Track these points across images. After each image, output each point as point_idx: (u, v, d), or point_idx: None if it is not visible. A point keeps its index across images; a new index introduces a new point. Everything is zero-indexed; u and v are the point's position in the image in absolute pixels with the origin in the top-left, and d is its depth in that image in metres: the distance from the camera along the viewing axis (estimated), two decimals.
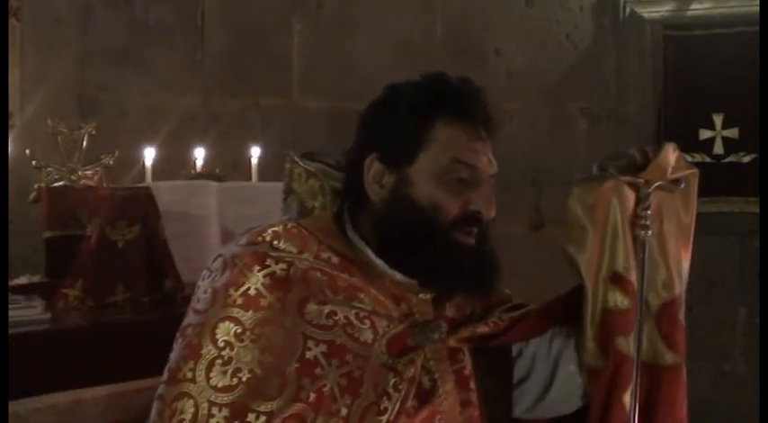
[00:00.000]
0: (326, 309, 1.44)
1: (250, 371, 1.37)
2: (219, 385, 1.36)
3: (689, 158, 3.72)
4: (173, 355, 1.42)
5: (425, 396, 1.46)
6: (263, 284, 1.43)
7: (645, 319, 1.50)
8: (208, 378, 1.37)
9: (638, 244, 1.50)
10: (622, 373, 1.49)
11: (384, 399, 1.41)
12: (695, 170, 1.54)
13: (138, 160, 3.72)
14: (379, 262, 1.51)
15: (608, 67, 4.02)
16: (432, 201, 1.47)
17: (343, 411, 1.38)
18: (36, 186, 3.38)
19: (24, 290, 3.00)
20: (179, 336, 1.43)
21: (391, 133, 1.51)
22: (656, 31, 3.90)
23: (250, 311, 1.40)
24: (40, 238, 3.34)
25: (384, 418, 1.40)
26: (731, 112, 3.78)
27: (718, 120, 3.78)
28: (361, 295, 1.48)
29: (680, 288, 1.54)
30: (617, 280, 1.49)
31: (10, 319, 2.38)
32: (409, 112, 1.50)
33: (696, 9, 3.85)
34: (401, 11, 4.19)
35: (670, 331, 1.53)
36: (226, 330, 1.39)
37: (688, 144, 3.81)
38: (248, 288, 1.42)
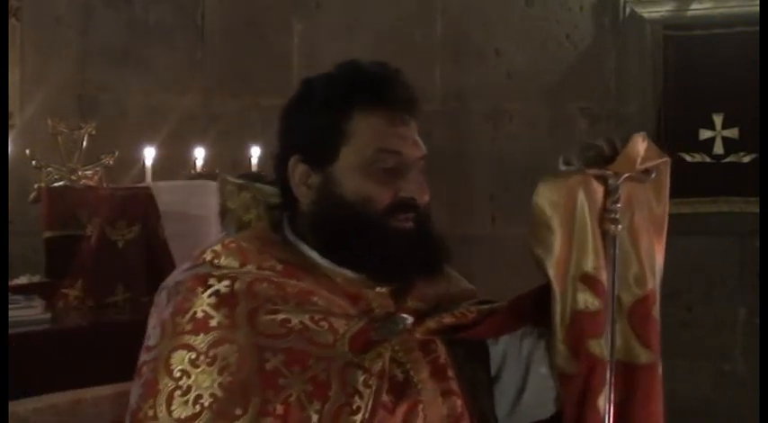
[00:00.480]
0: (279, 317, 1.38)
1: (211, 395, 1.33)
2: (183, 416, 1.32)
3: (689, 159, 3.77)
4: (132, 398, 1.37)
5: (401, 389, 1.40)
6: (208, 305, 1.38)
7: (617, 318, 1.44)
8: (169, 411, 1.32)
9: (609, 239, 1.43)
10: (596, 377, 1.43)
11: (356, 397, 1.35)
12: (666, 159, 1.49)
13: (138, 160, 3.72)
14: (325, 263, 1.47)
15: (608, 67, 4.02)
16: (360, 195, 1.43)
17: (314, 418, 1.32)
18: (36, 186, 3.38)
19: (24, 290, 3.00)
20: (135, 377, 1.39)
21: (309, 131, 1.46)
22: (656, 31, 3.89)
23: (201, 335, 1.36)
24: (40, 238, 3.34)
25: (358, 417, 1.34)
26: (731, 112, 3.77)
27: (718, 120, 3.78)
28: (314, 298, 1.42)
29: (653, 283, 1.48)
30: (586, 280, 1.43)
31: (10, 319, 2.38)
32: (324, 107, 1.46)
33: (696, 9, 3.84)
34: (401, 11, 4.19)
35: (644, 329, 1.46)
36: (180, 359, 1.34)
37: (688, 144, 3.81)
38: (195, 312, 1.37)
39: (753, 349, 3.61)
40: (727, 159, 3.78)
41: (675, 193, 4.34)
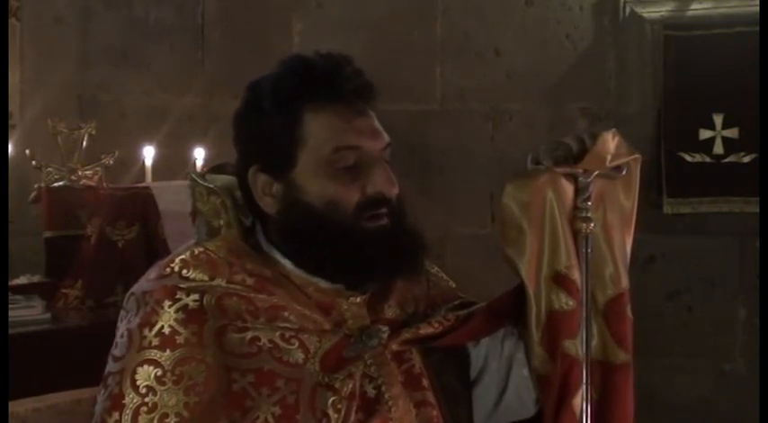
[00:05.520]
0: (248, 335, 1.34)
1: (177, 414, 1.29)
2: None
3: (689, 159, 3.77)
4: (97, 408, 1.35)
5: (371, 406, 1.37)
6: (175, 320, 1.34)
7: (592, 318, 1.42)
8: None
9: (581, 238, 1.41)
10: (572, 377, 1.40)
11: (324, 421, 1.32)
12: (638, 156, 1.45)
13: (138, 160, 3.73)
14: (297, 272, 1.42)
15: (608, 67, 4.01)
16: (326, 198, 1.38)
17: None
18: (36, 186, 3.39)
19: (24, 290, 3.01)
20: (101, 386, 1.36)
21: (262, 140, 1.41)
22: (656, 31, 3.89)
23: (167, 351, 1.32)
24: (40, 238, 3.34)
25: None
26: (731, 112, 3.77)
27: (718, 120, 3.78)
28: (286, 313, 1.37)
29: (626, 281, 1.45)
30: (559, 280, 1.40)
31: (10, 319, 2.38)
32: (273, 113, 1.40)
33: (696, 9, 3.84)
34: (401, 11, 4.19)
35: (619, 328, 1.44)
36: (146, 375, 1.31)
37: (688, 144, 3.81)
38: (162, 326, 1.34)
39: (753, 349, 3.61)
40: (727, 159, 3.78)
41: (675, 193, 4.35)
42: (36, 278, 3.24)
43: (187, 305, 1.35)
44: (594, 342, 1.43)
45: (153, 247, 3.05)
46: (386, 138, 1.43)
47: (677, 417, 3.79)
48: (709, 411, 3.82)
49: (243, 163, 1.45)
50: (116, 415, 1.30)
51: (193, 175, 1.52)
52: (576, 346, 1.41)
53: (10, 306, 2.62)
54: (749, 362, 3.75)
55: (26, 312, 2.80)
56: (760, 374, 2.48)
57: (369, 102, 1.43)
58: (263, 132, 1.41)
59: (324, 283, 1.43)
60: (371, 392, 1.38)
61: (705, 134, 3.80)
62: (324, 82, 1.39)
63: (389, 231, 1.40)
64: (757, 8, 3.53)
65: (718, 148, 3.78)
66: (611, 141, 1.40)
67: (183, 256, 1.42)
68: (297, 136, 1.39)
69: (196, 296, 1.36)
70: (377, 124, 1.43)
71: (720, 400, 3.83)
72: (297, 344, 1.36)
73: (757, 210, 3.47)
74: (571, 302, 1.40)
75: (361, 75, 1.42)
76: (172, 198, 3.14)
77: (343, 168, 1.38)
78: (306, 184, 1.39)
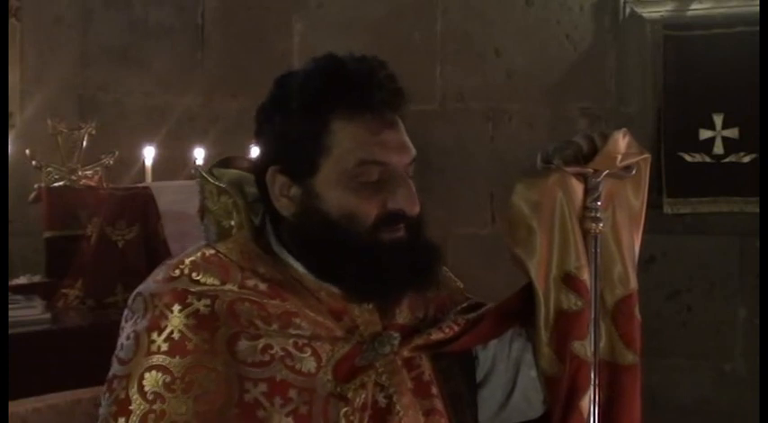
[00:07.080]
0: (260, 343, 1.31)
1: None
2: None
3: (688, 159, 3.77)
4: (102, 412, 1.31)
5: (382, 416, 1.35)
6: (185, 326, 1.30)
7: (601, 318, 1.41)
8: None
9: (590, 238, 1.39)
10: (580, 378, 1.40)
11: None
12: (647, 155, 1.45)
13: (138, 160, 3.73)
14: (309, 276, 1.39)
15: (608, 67, 4.01)
16: (344, 210, 1.34)
17: None
18: (36, 186, 3.39)
19: (24, 290, 3.01)
20: (105, 389, 1.32)
21: (286, 142, 1.37)
22: (656, 31, 3.89)
23: (177, 358, 1.28)
24: (40, 238, 3.34)
25: None
26: (731, 112, 3.77)
27: (718, 120, 3.78)
28: (298, 320, 1.34)
29: (635, 282, 1.44)
30: (569, 280, 1.39)
31: (10, 319, 2.38)
32: (300, 116, 1.35)
33: (696, 9, 3.84)
34: (401, 11, 4.19)
35: (627, 329, 1.43)
36: (154, 381, 1.27)
37: (688, 144, 3.81)
38: (171, 332, 1.30)
39: (753, 349, 3.60)
40: (727, 159, 3.78)
41: (676, 193, 4.35)
42: (36, 278, 3.24)
43: (198, 310, 1.32)
44: (602, 343, 1.42)
45: (153, 247, 3.05)
46: (412, 152, 1.38)
47: (677, 417, 3.79)
48: (709, 411, 3.82)
49: (263, 160, 1.42)
50: (122, 420, 1.28)
51: (203, 173, 1.47)
52: (584, 348, 1.40)
53: (10, 306, 2.62)
54: (749, 362, 3.75)
55: (26, 312, 2.80)
56: (760, 374, 2.48)
57: (399, 111, 1.38)
58: (287, 133, 1.37)
59: (335, 289, 1.40)
60: (383, 402, 1.36)
61: (705, 134, 3.80)
62: (355, 88, 1.34)
63: (406, 244, 1.36)
64: (757, 8, 3.53)
65: (719, 148, 3.78)
66: (621, 141, 1.40)
67: (193, 258, 1.38)
68: (322, 143, 1.34)
69: (207, 301, 1.33)
70: (404, 137, 1.38)
71: (720, 400, 3.83)
72: (309, 352, 1.33)
73: (757, 210, 3.47)
74: (580, 303, 1.39)
75: (394, 81, 1.37)
76: (172, 198, 3.14)
77: (366, 182, 1.34)
78: (325, 192, 1.35)
